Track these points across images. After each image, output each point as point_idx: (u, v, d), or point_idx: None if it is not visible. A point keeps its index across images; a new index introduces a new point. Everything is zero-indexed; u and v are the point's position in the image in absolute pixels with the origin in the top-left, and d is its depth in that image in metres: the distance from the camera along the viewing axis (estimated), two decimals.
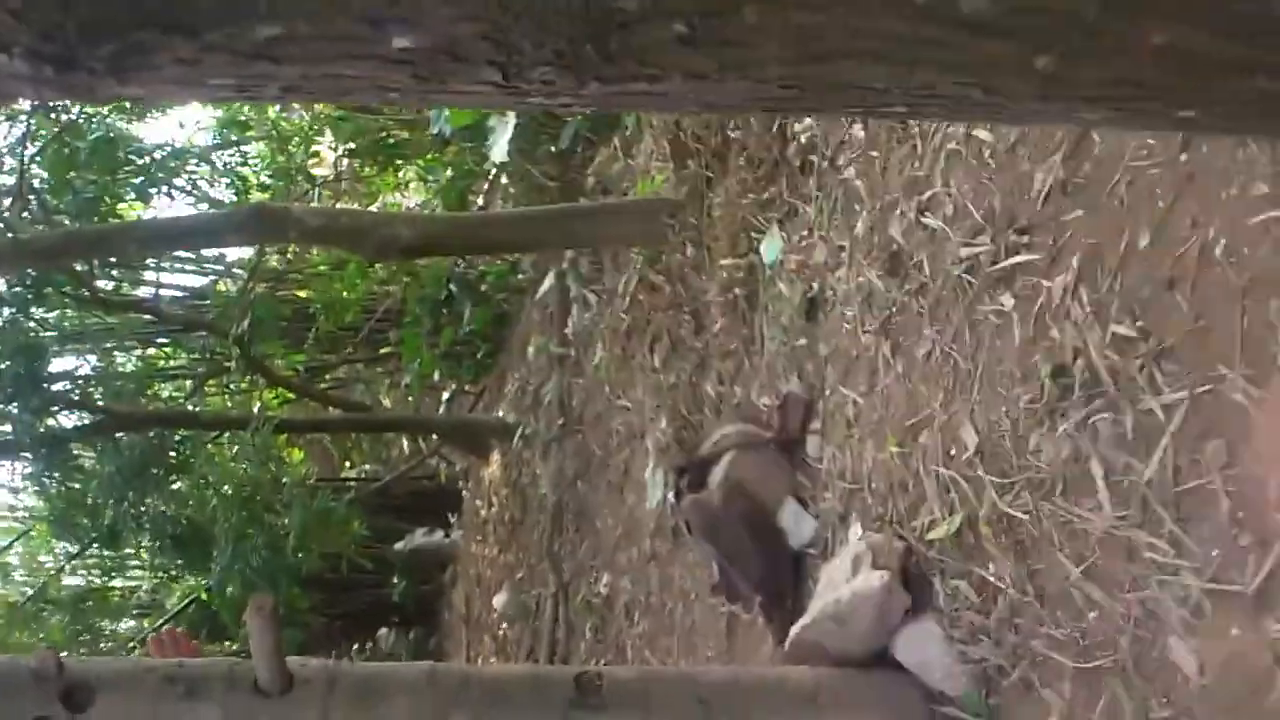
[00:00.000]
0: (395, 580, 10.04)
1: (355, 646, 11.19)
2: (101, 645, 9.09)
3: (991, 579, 2.05)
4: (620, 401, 5.09)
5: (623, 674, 2.12)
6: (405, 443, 12.06)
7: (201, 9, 0.60)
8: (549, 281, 6.03)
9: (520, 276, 7.49)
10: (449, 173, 7.37)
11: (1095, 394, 1.86)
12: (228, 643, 10.05)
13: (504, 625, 7.61)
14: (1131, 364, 1.79)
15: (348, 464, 13.48)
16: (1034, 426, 2.00)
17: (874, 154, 2.79)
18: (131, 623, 10.43)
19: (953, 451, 2.23)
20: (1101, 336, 1.87)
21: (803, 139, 3.23)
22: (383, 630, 12.33)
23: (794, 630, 2.36)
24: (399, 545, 10.72)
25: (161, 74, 0.64)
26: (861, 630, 2.24)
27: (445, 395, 8.89)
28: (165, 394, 9.82)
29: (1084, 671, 1.81)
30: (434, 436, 10.05)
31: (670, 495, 3.30)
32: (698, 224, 3.98)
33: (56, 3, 0.57)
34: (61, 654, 1.86)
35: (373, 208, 9.55)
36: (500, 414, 7.64)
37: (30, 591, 9.15)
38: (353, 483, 10.75)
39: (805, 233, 3.15)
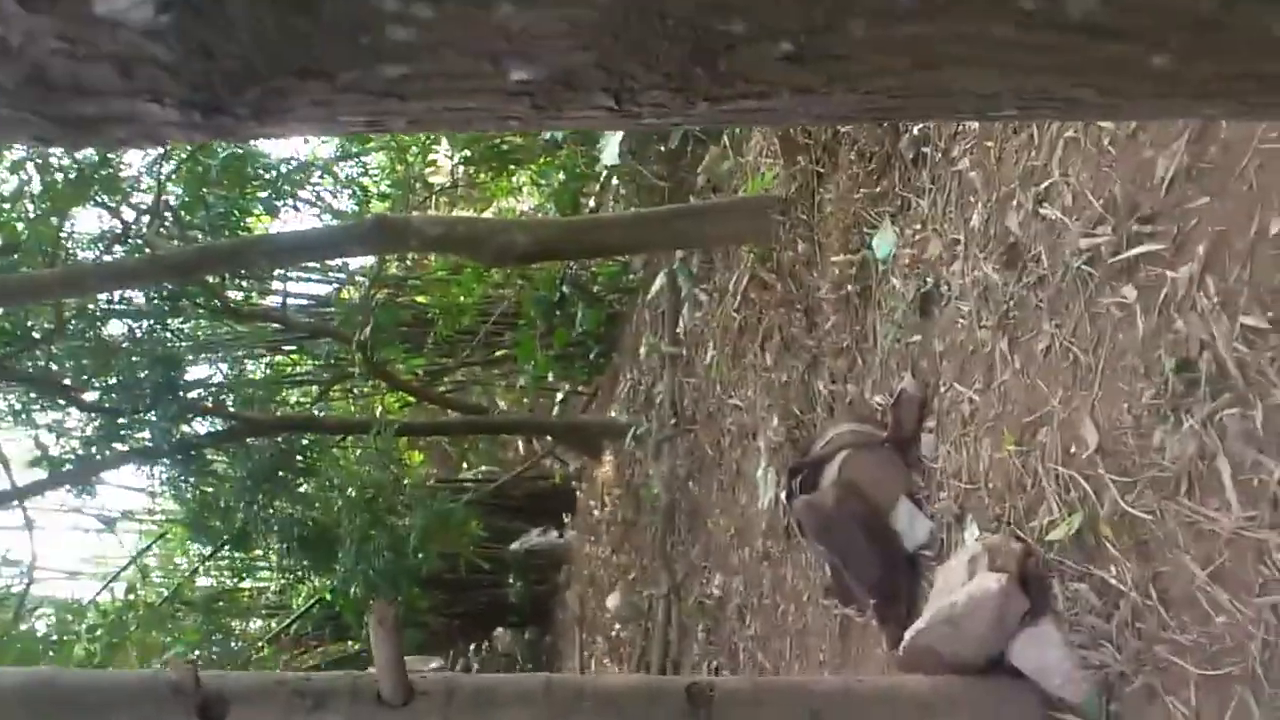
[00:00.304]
0: (511, 580, 10.21)
1: (472, 646, 11.41)
2: (232, 644, 9.46)
3: (1113, 582, 2.00)
4: (732, 400, 5.10)
5: (734, 684, 2.15)
6: (520, 444, 12.27)
7: (334, 54, 0.64)
8: (660, 281, 6.06)
9: (632, 277, 7.55)
10: (561, 176, 7.47)
11: (1222, 388, 1.80)
12: (350, 642, 10.38)
13: (617, 626, 7.68)
14: (1261, 356, 1.73)
15: (465, 466, 13.76)
16: (1158, 423, 1.95)
17: (989, 144, 2.74)
18: (260, 623, 10.85)
19: (1073, 449, 2.18)
20: (1229, 328, 1.80)
21: (915, 131, 3.18)
22: (499, 630, 12.56)
23: (908, 635, 2.34)
24: (514, 546, 10.90)
25: (298, 114, 0.68)
26: (977, 634, 2.20)
27: (559, 396, 9.01)
28: (292, 400, 10.19)
29: (1210, 679, 1.76)
30: (548, 438, 10.19)
31: (783, 496, 3.28)
32: (809, 220, 3.96)
33: (204, 57, 0.61)
34: (194, 656, 1.96)
35: (488, 213, 9.74)
36: (613, 414, 7.71)
37: (166, 593, 9.58)
38: (470, 484, 10.97)
39: (919, 226, 3.11)
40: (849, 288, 3.53)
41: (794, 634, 3.85)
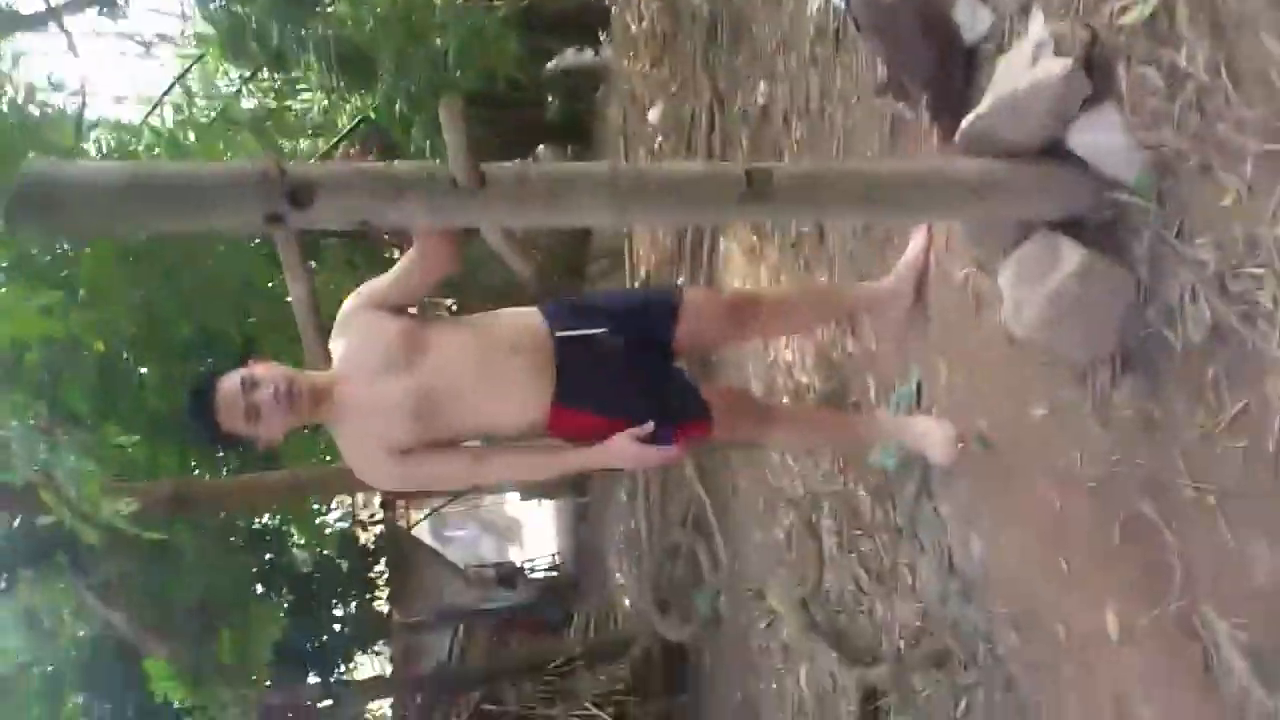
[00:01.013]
0: (550, 99, 10.21)
1: (516, 162, 11.69)
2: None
3: (1182, 63, 1.99)
4: None
5: (791, 167, 2.20)
6: None
7: None
8: None
9: None
10: None
11: None
12: (397, 159, 10.64)
13: (659, 138, 7.78)
14: None
15: None
16: None
17: None
18: (307, 143, 11.07)
19: None
20: None
21: None
22: (540, 147, 12.79)
23: (965, 121, 2.37)
24: (550, 65, 10.78)
25: None
26: (1037, 120, 2.24)
27: None
28: None
29: (1269, 155, 1.81)
30: None
31: None
32: None
33: None
34: None
35: None
36: None
37: (213, 114, 9.71)
38: (501, 2, 10.61)
39: None
40: None
41: (841, 135, 3.91)
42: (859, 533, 3.94)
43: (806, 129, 4.38)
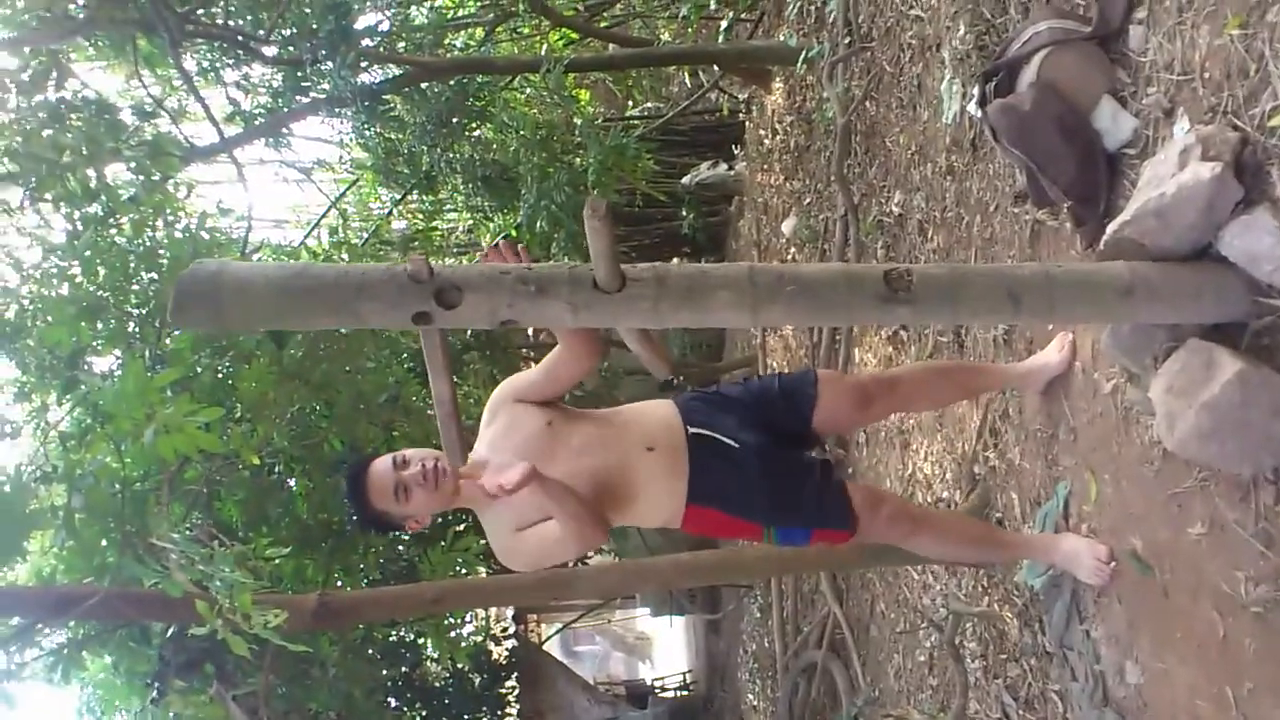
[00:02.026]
0: (684, 213, 10.42)
1: None
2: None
3: None
4: (912, 11, 4.84)
5: (932, 269, 2.14)
6: (686, 77, 12.05)
7: None
8: None
9: None
10: None
11: None
12: None
13: (793, 250, 7.82)
14: None
15: (630, 104, 13.69)
16: None
17: None
18: (453, 260, 11.53)
19: None
20: None
21: None
22: (675, 261, 12.99)
23: (1110, 228, 2.31)
24: (685, 180, 11.03)
25: None
26: (1185, 225, 2.17)
27: (723, 24, 8.69)
28: (458, 44, 10.19)
29: None
30: (715, 68, 9.96)
31: (975, 102, 3.18)
32: None
33: None
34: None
35: None
36: (781, 38, 7.42)
37: (366, 235, 10.22)
38: (637, 121, 10.96)
39: None
40: None
41: (979, 244, 3.86)
42: (1005, 657, 3.75)
43: (944, 238, 4.34)
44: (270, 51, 7.57)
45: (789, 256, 7.92)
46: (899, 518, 3.01)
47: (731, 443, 2.88)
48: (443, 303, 1.97)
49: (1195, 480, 2.45)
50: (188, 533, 4.70)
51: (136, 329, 5.32)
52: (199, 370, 5.49)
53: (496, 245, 2.57)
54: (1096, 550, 2.91)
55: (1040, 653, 3.42)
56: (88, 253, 4.99)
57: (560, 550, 2.76)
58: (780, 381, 3.10)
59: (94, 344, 5.14)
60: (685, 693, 17.98)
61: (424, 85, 7.94)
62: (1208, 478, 2.40)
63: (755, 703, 10.03)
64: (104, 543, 4.25)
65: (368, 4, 8.72)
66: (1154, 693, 2.72)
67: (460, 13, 10.56)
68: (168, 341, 5.22)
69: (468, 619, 9.16)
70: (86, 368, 5.14)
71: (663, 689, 18.58)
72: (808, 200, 7.37)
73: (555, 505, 2.69)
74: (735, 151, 10.82)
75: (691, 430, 2.87)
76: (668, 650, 24.29)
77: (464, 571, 6.32)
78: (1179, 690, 2.59)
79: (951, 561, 4.20)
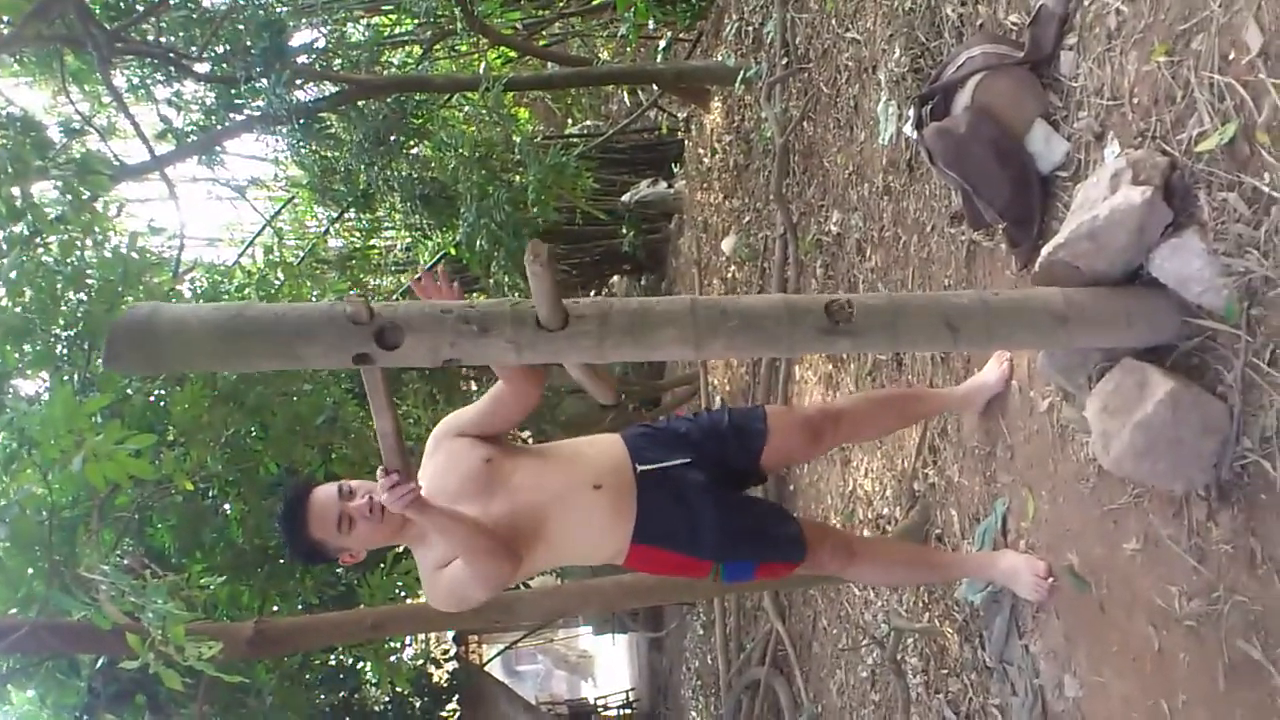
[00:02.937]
0: (624, 231, 10.44)
1: (590, 293, 11.92)
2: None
3: (1265, 189, 1.97)
4: (849, 34, 4.90)
5: (871, 299, 2.17)
6: (625, 96, 12.10)
7: None
8: None
9: None
10: None
11: None
12: (477, 294, 10.93)
13: (733, 268, 7.87)
14: None
15: (569, 121, 13.70)
16: None
17: None
18: (391, 279, 11.42)
19: (1231, 55, 2.08)
20: None
21: None
22: (615, 278, 13.02)
23: (1044, 251, 2.36)
24: (625, 197, 11.06)
25: None
26: (1117, 248, 2.22)
27: (662, 44, 8.74)
28: (395, 61, 10.12)
29: None
30: (654, 87, 10.00)
31: (911, 125, 3.23)
32: None
33: None
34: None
35: None
36: (720, 59, 7.48)
37: (302, 254, 10.08)
38: (577, 139, 10.97)
39: None
40: None
41: (917, 264, 3.91)
42: (946, 672, 3.78)
43: (881, 257, 4.40)
44: (203, 68, 7.45)
45: (729, 274, 7.96)
46: (839, 549, 3.03)
47: (681, 479, 2.85)
48: (383, 344, 1.95)
49: (1130, 497, 2.49)
50: (119, 561, 4.58)
51: (65, 351, 5.18)
52: (130, 394, 5.36)
53: (419, 280, 2.55)
54: (1035, 566, 2.95)
55: (980, 667, 3.46)
56: (13, 274, 4.84)
57: (471, 589, 2.64)
58: (730, 416, 3.09)
59: (20, 367, 5.00)
60: (628, 711, 17.91)
61: (361, 103, 7.87)
62: (1142, 494, 2.45)
63: None
64: (31, 573, 4.13)
65: (303, 21, 8.62)
66: (1091, 706, 2.77)
67: (397, 30, 10.49)
68: (98, 364, 5.09)
69: (408, 642, 9.04)
70: (11, 392, 5.00)
71: (605, 707, 18.49)
72: (747, 219, 7.42)
73: (443, 538, 2.58)
74: (675, 170, 10.88)
75: (641, 469, 2.84)
76: (610, 668, 24.20)
77: (404, 595, 6.24)
78: (1115, 703, 2.63)
79: (893, 584, 4.24)
